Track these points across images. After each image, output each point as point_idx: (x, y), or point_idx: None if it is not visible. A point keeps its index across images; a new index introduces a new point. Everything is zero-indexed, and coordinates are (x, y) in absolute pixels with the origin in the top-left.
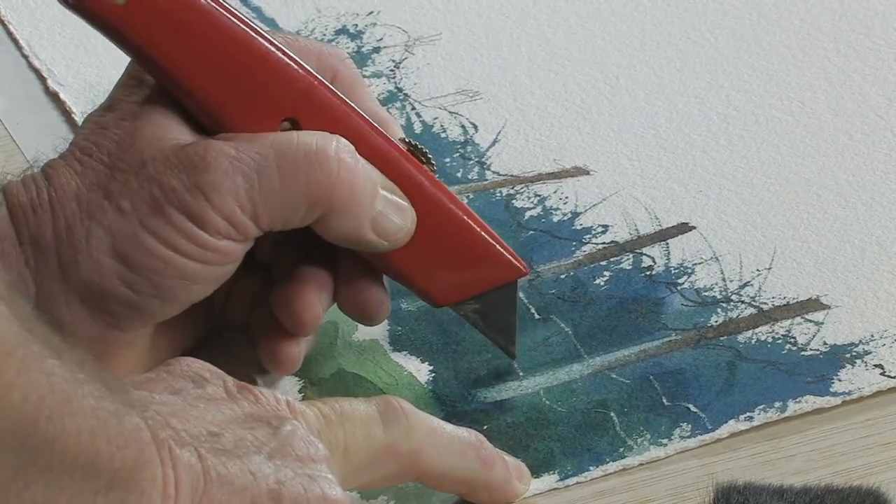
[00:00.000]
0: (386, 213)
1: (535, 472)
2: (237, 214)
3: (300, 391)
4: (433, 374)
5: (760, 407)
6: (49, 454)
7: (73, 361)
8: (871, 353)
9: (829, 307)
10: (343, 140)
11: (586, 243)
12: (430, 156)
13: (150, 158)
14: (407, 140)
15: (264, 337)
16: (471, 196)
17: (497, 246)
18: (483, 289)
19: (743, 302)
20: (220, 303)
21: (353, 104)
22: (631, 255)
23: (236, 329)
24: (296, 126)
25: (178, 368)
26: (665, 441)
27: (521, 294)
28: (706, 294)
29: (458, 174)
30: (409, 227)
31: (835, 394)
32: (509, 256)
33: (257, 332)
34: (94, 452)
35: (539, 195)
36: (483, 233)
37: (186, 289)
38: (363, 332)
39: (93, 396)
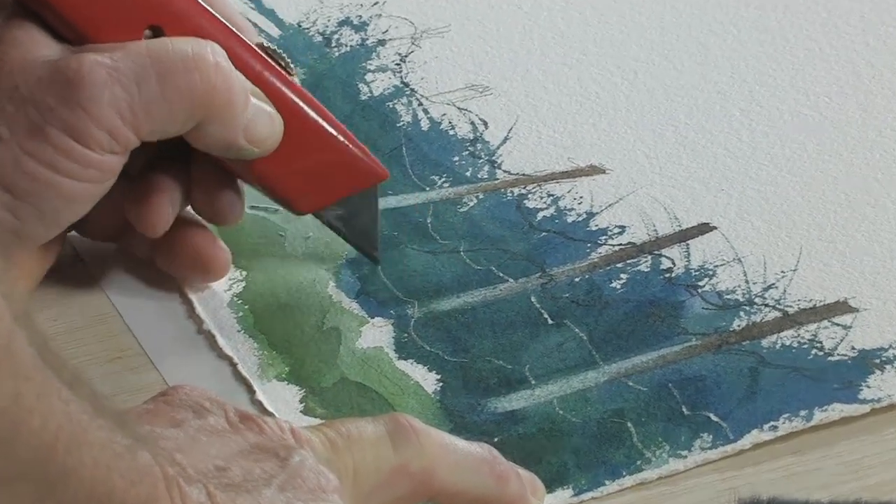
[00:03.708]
0: (256, 119)
1: (549, 486)
2: (119, 126)
3: (301, 401)
4: (441, 384)
5: (785, 416)
6: (66, 487)
7: (86, 391)
8: None
9: (857, 310)
10: (216, 45)
11: (602, 245)
12: (288, 60)
13: (21, 81)
14: (265, 45)
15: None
16: (480, 196)
17: (357, 151)
18: (344, 194)
19: (767, 305)
20: (110, 232)
21: (211, 10)
22: (649, 257)
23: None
24: (159, 34)
25: (177, 398)
26: (685, 453)
27: (533, 299)
28: (728, 297)
29: (468, 173)
30: (278, 134)
31: (863, 401)
32: (369, 161)
33: (166, 265)
34: (111, 487)
35: (552, 195)
36: (343, 138)
37: (69, 210)
38: (367, 339)
39: (107, 429)
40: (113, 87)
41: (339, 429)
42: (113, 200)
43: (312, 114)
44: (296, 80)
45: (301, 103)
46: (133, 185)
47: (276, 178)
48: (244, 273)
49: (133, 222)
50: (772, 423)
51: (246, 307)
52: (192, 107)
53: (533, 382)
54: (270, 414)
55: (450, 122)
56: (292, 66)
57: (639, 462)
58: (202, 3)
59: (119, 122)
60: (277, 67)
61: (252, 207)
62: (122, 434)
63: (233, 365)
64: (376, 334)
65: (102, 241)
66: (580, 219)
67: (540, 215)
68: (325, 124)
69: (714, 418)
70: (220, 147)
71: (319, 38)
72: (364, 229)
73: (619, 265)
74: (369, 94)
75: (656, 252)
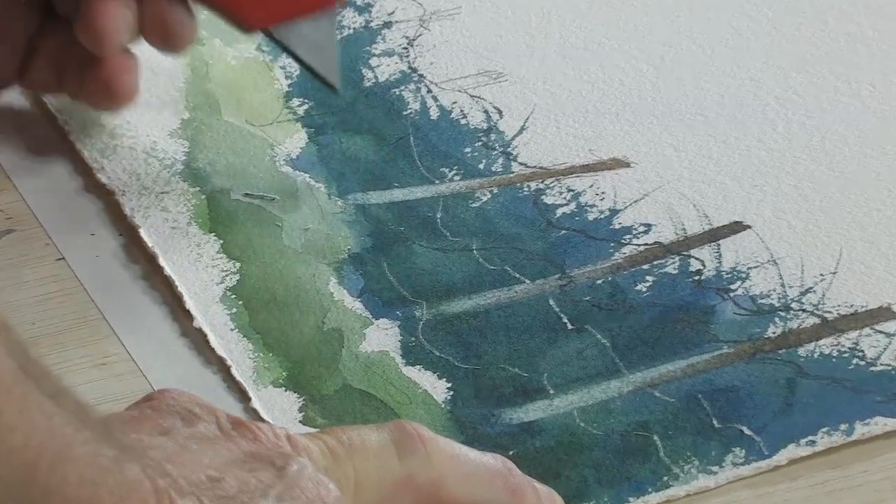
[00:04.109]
0: None
1: (568, 503)
2: None
3: (300, 409)
4: (451, 392)
5: (824, 429)
6: None
7: (70, 402)
8: None
9: None
10: None
11: (626, 244)
12: None
13: None
14: None
15: (88, 89)
16: (494, 191)
17: None
18: (299, 12)
19: (804, 310)
20: (15, 63)
21: None
22: (677, 258)
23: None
24: None
25: (164, 403)
26: (715, 468)
27: (551, 302)
28: (762, 302)
29: (481, 166)
30: None
31: None
32: None
33: (77, 90)
34: None
35: (572, 190)
36: None
37: None
38: (372, 343)
39: (93, 442)
40: None
41: (339, 436)
42: (9, 32)
43: None
44: None
45: None
46: (83, 5)
47: None
48: (238, 265)
49: (82, 40)
50: (809, 437)
51: (240, 303)
52: None
53: (551, 392)
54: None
55: (461, 111)
56: None
57: (665, 478)
58: None
59: None
60: None
61: (246, 195)
62: (108, 446)
63: (225, 369)
64: (381, 337)
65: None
66: (602, 216)
67: (559, 212)
68: None
69: (747, 432)
70: None
71: None
72: (320, 54)
73: (645, 267)
74: (374, 81)
75: (685, 253)
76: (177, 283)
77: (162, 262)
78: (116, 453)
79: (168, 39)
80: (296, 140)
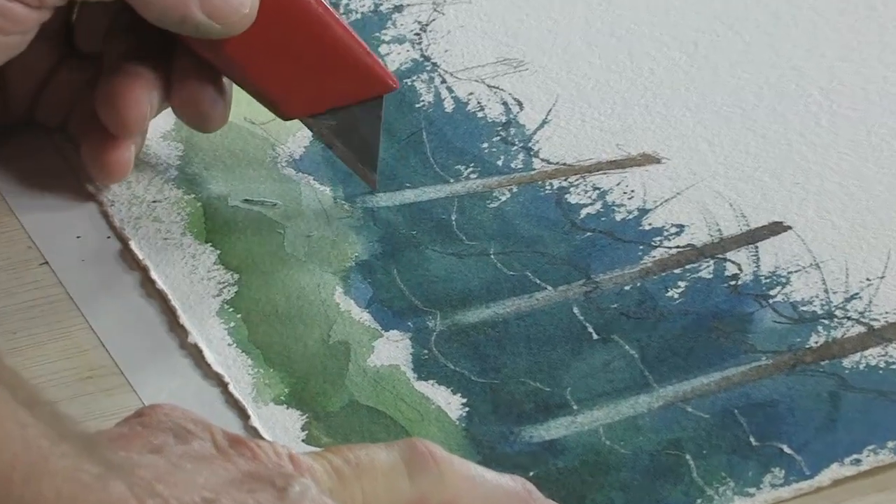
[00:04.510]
0: None
1: None
2: None
3: (303, 428)
4: (467, 409)
5: (870, 448)
6: None
7: (48, 412)
8: None
9: None
10: None
11: (656, 247)
12: None
13: None
14: None
15: (88, 140)
16: (514, 190)
17: (360, 51)
18: (341, 102)
19: (849, 318)
20: (29, 97)
21: None
22: (711, 262)
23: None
24: None
25: (155, 419)
26: (752, 490)
27: (575, 310)
28: (804, 309)
29: (499, 162)
30: (250, 8)
31: None
32: (375, 65)
33: (79, 134)
34: None
35: (598, 188)
36: (344, 33)
37: None
38: (381, 356)
39: (72, 456)
40: None
41: (346, 455)
42: (27, 66)
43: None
44: None
45: None
46: (107, 75)
47: (259, 71)
48: (236, 276)
49: (101, 115)
50: (854, 456)
51: (239, 316)
52: None
53: (575, 408)
54: (266, 440)
55: (478, 103)
56: None
57: (699, 501)
58: None
59: None
60: None
61: (246, 201)
62: (90, 462)
63: (223, 385)
64: (391, 350)
65: (13, 117)
66: (631, 216)
67: (584, 212)
68: (323, 12)
69: (787, 450)
70: (170, 18)
71: None
72: (361, 146)
73: (677, 271)
74: None
75: (720, 256)
76: (170, 297)
77: (154, 275)
78: (100, 470)
79: (199, 120)
80: (299, 138)
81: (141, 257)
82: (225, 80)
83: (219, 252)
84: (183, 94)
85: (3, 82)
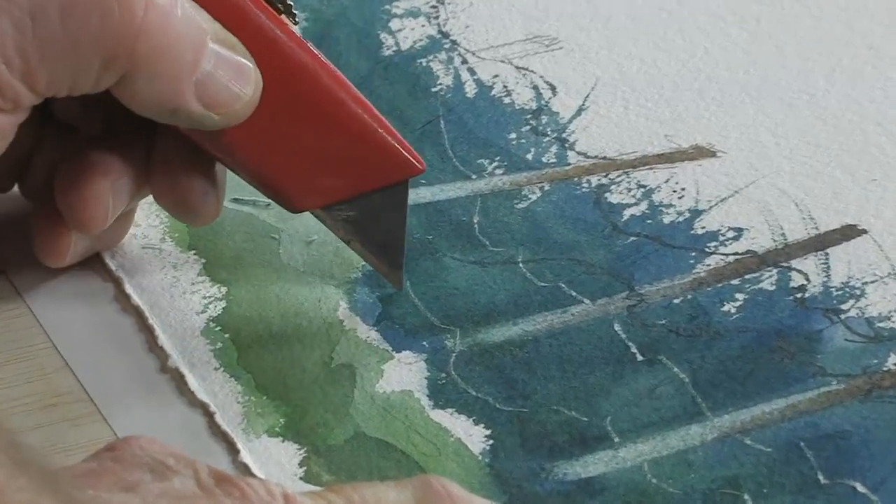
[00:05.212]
0: (217, 74)
1: None
2: (2, 74)
3: (301, 464)
4: (491, 441)
5: None
6: None
7: (5, 440)
8: None
9: None
10: None
11: (711, 254)
12: (289, 2)
13: None
14: None
15: (41, 219)
16: (546, 187)
17: (379, 130)
18: (359, 190)
19: None
20: (12, 180)
21: None
22: (774, 271)
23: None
24: None
25: (129, 453)
26: None
27: (617, 327)
28: (881, 325)
29: (529, 156)
30: (251, 97)
31: None
32: (397, 146)
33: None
34: None
35: (644, 186)
36: (360, 109)
37: None
38: (392, 381)
39: (30, 491)
40: None
41: (349, 495)
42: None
43: (319, 72)
44: (296, 29)
45: (303, 57)
46: (68, 162)
47: (263, 161)
48: (224, 290)
49: (59, 207)
50: None
51: (226, 336)
52: (107, 53)
53: (616, 440)
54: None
55: (504, 87)
56: (294, 10)
57: None
58: None
59: (2, 67)
60: (269, 7)
61: (234, 201)
62: (51, 498)
63: (209, 415)
64: (403, 374)
65: None
66: (681, 219)
67: (627, 214)
68: (336, 88)
69: (861, 489)
70: (162, 110)
71: None
72: (384, 239)
73: (734, 282)
74: (395, 49)
75: (784, 264)
76: (147, 313)
77: (128, 288)
78: None
79: (184, 214)
80: None
81: (113, 267)
82: (218, 165)
83: (204, 261)
84: (166, 182)
85: None
